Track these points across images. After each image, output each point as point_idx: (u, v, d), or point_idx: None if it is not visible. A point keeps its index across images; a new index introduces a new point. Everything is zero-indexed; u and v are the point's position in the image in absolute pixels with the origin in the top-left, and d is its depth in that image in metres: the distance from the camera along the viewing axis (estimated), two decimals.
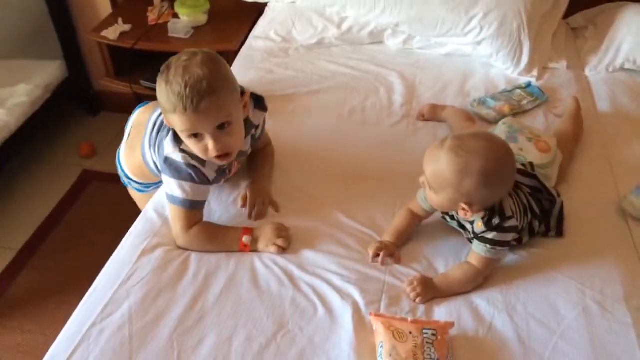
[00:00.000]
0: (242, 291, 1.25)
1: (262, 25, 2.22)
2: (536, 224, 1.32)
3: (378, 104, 1.84)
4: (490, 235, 1.23)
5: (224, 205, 1.47)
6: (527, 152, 1.42)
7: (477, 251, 1.25)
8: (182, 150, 1.29)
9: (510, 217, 1.23)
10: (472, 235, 1.27)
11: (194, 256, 1.32)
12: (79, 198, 2.48)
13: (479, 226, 1.23)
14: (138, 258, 1.30)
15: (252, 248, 1.32)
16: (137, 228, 1.39)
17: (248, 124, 1.36)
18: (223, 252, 1.32)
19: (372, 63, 2.03)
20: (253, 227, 1.36)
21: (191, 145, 1.25)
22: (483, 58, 2.03)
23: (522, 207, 1.28)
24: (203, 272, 1.28)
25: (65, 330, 1.17)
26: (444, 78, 1.97)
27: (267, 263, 1.31)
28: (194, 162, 1.29)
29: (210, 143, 1.22)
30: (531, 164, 1.39)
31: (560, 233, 1.36)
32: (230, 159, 1.29)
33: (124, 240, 1.36)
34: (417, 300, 1.23)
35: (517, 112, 1.76)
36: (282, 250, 1.31)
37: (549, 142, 1.46)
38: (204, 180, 1.31)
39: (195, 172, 1.29)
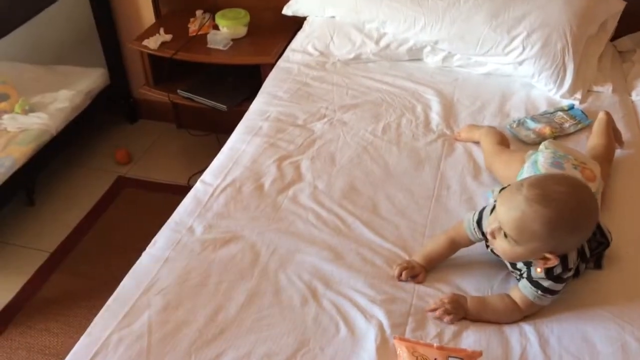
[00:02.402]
0: (263, 305, 1.22)
1: (300, 39, 2.22)
2: (582, 267, 1.25)
3: (414, 121, 1.80)
4: (546, 284, 1.17)
5: None
6: None
7: (525, 293, 1.18)
8: None
9: (570, 269, 1.17)
10: (524, 276, 1.20)
11: (216, 266, 1.31)
12: (112, 204, 2.51)
13: (538, 272, 1.17)
14: (160, 267, 1.29)
15: None
16: (161, 236, 1.38)
17: None
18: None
19: (409, 80, 2.00)
20: None
21: None
22: (524, 78, 1.97)
23: (577, 251, 1.21)
24: (225, 284, 1.27)
25: (84, 337, 1.17)
26: (483, 97, 1.92)
27: (291, 277, 1.28)
28: None
29: None
30: None
31: (599, 265, 1.29)
32: None
33: (147, 248, 1.36)
34: (446, 319, 1.18)
35: (558, 134, 1.70)
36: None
37: (594, 170, 1.38)
38: None
39: None
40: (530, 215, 1.09)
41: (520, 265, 1.21)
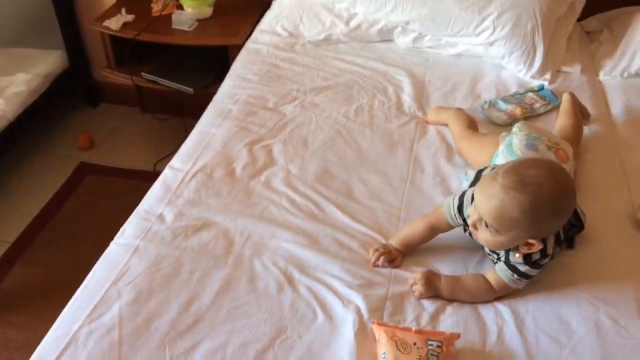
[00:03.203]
0: (239, 293, 1.19)
1: (268, 19, 2.17)
2: (557, 249, 1.25)
3: (386, 103, 1.79)
4: (523, 268, 1.17)
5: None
6: None
7: (501, 275, 1.18)
8: None
9: (548, 255, 1.17)
10: (502, 260, 1.20)
11: (188, 255, 1.27)
12: (75, 191, 2.42)
13: (517, 257, 1.16)
14: (130, 256, 1.25)
15: None
16: (130, 225, 1.34)
17: None
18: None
19: (380, 61, 1.98)
20: None
21: None
22: (495, 59, 1.97)
23: (554, 236, 1.21)
24: (198, 272, 1.23)
25: (52, 331, 1.12)
26: (454, 79, 1.91)
27: (266, 264, 1.26)
28: None
29: None
30: None
31: (571, 245, 1.30)
32: None
33: (116, 237, 1.31)
34: (416, 295, 1.18)
35: (529, 115, 1.71)
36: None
37: (566, 151, 1.39)
38: None
39: None
40: (509, 203, 1.08)
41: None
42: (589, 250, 1.30)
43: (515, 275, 1.17)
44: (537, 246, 1.13)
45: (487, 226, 1.13)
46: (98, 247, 1.31)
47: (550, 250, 1.18)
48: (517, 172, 1.10)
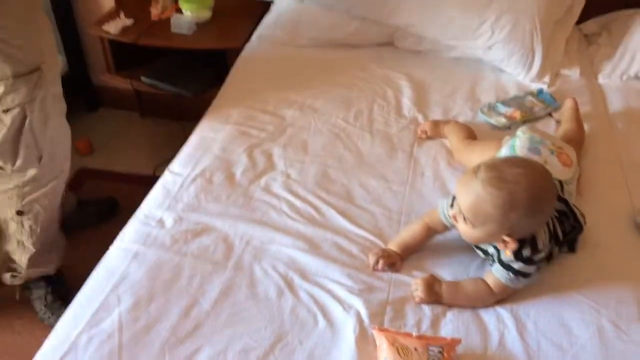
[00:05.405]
0: (239, 299, 1.19)
1: (267, 23, 2.17)
2: (556, 250, 1.25)
3: (385, 106, 1.79)
4: (516, 266, 1.17)
5: None
6: (551, 167, 1.31)
7: (497, 276, 1.18)
8: None
9: (540, 251, 1.17)
10: (496, 260, 1.20)
11: (188, 260, 1.27)
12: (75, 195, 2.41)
13: (507, 254, 1.17)
14: (130, 262, 1.24)
15: None
16: (130, 230, 1.33)
17: None
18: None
19: (379, 64, 1.98)
20: None
21: None
22: (494, 62, 1.97)
23: (549, 234, 1.21)
24: (198, 278, 1.23)
25: (52, 337, 1.11)
26: (453, 82, 1.91)
27: (266, 269, 1.25)
28: None
29: None
30: (560, 182, 1.31)
31: (572, 249, 1.30)
32: None
33: (115, 242, 1.31)
34: (417, 300, 1.18)
35: (529, 118, 1.71)
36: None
37: (570, 155, 1.39)
38: None
39: None
40: (484, 198, 1.10)
41: (491, 250, 1.22)
42: (590, 254, 1.30)
43: (511, 274, 1.17)
44: (512, 244, 1.14)
45: (464, 219, 1.15)
46: (99, 252, 1.30)
47: (541, 246, 1.17)
48: (498, 169, 1.12)
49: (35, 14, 1.54)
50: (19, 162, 1.62)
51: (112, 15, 2.39)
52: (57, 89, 1.67)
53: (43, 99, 1.58)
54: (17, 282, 1.86)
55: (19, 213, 1.72)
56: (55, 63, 1.66)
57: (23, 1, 1.49)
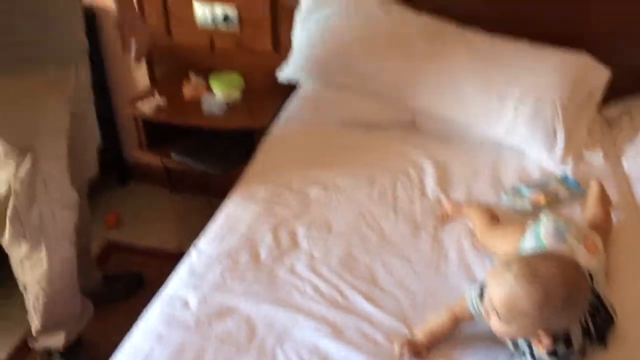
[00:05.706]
0: None
1: (294, 103, 2.24)
2: (587, 343, 1.22)
3: (409, 185, 1.80)
4: None
5: None
6: (578, 257, 1.30)
7: None
8: None
9: (572, 347, 1.16)
10: (527, 355, 1.18)
11: (211, 342, 1.26)
12: (101, 270, 2.44)
13: (541, 350, 1.15)
14: (153, 343, 1.25)
15: None
16: (154, 311, 1.34)
17: None
18: None
19: (402, 143, 2.01)
20: None
21: None
22: (515, 144, 1.98)
23: (582, 330, 1.19)
24: None
25: None
26: (475, 163, 1.92)
27: (289, 354, 1.24)
28: None
29: None
30: (590, 275, 1.29)
31: (604, 344, 1.25)
32: None
33: (139, 322, 1.31)
34: None
35: (553, 203, 1.69)
36: None
37: (595, 242, 1.37)
38: None
39: None
40: (518, 294, 1.09)
41: (520, 343, 1.19)
42: (622, 350, 1.25)
43: None
44: (546, 340, 1.12)
45: (497, 315, 1.14)
46: (123, 330, 1.31)
47: (575, 343, 1.15)
48: (529, 263, 1.13)
49: (31, 98, 1.51)
50: (6, 236, 1.64)
51: (146, 94, 2.49)
52: (58, 179, 1.63)
53: (31, 182, 1.55)
54: (34, 346, 1.89)
55: (24, 287, 1.75)
56: (58, 155, 1.62)
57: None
